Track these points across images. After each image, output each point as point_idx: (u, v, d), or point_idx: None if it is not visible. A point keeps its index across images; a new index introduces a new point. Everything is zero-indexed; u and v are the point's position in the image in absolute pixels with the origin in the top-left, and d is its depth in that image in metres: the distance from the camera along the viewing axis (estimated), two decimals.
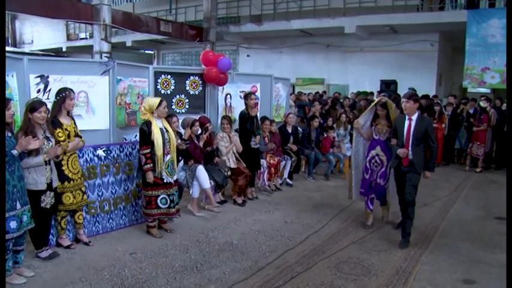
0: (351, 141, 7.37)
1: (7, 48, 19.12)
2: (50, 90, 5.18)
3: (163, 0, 19.15)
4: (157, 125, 4.74)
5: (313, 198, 6.80)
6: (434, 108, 10.02)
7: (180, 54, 21.37)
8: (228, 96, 7.63)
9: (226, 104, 7.58)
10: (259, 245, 4.78)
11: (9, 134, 3.65)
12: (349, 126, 8.92)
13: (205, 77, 7.15)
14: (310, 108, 10.13)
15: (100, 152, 5.01)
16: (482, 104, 9.64)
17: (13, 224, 3.57)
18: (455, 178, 8.77)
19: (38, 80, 5.19)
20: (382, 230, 5.33)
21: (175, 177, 4.98)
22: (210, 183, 5.81)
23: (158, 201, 4.85)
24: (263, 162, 6.92)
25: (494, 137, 9.66)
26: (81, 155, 4.78)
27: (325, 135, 8.68)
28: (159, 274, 3.98)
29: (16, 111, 4.44)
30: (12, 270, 3.74)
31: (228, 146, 6.36)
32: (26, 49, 23.01)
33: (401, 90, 12.25)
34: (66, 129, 4.28)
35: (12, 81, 4.75)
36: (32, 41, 25.37)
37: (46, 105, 4.00)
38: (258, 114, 6.83)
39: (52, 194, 4.07)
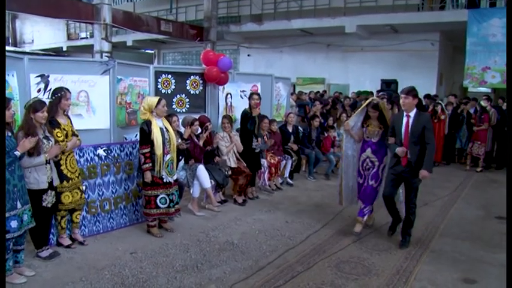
0: None
1: (7, 48, 19.14)
2: (50, 89, 5.15)
3: (163, 0, 19.14)
4: (157, 125, 4.74)
5: (314, 198, 6.80)
6: (435, 109, 10.03)
7: (180, 53, 21.37)
8: (229, 95, 7.62)
9: (226, 104, 7.58)
10: (259, 244, 4.77)
11: (9, 134, 3.65)
12: None
13: (206, 77, 7.14)
14: (310, 108, 10.13)
15: (100, 152, 5.01)
16: (483, 103, 9.63)
17: (14, 224, 3.57)
18: (456, 177, 8.77)
19: (39, 79, 5.18)
20: (383, 229, 5.32)
21: (175, 177, 4.98)
22: (211, 182, 5.82)
23: (157, 201, 4.85)
24: (264, 161, 6.92)
25: (495, 136, 9.65)
26: (81, 154, 4.79)
27: (326, 134, 8.68)
28: (160, 273, 3.98)
29: (16, 111, 4.44)
30: (13, 269, 3.74)
31: (229, 146, 6.36)
32: (27, 48, 23.01)
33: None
34: (64, 129, 4.29)
35: (12, 80, 4.75)
36: (33, 40, 25.36)
37: (46, 105, 4.01)
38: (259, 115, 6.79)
39: (53, 193, 4.08)
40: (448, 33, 14.12)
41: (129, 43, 19.19)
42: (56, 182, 4.14)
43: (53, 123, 4.18)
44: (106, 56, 12.06)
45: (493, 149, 9.92)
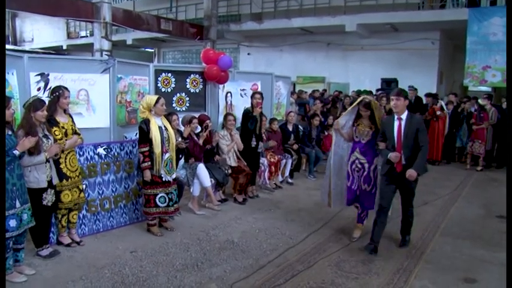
0: None
1: (7, 46, 19.12)
2: (50, 88, 5.15)
3: None
4: (155, 123, 4.74)
5: (314, 197, 6.79)
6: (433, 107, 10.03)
7: (180, 52, 21.35)
8: (229, 94, 7.61)
9: (226, 102, 7.56)
10: (260, 243, 4.77)
11: (10, 133, 3.64)
12: None
13: (206, 75, 7.13)
14: (311, 107, 10.12)
15: (100, 150, 5.01)
16: (481, 101, 9.63)
17: (12, 223, 3.56)
18: (456, 176, 8.76)
19: (39, 78, 5.18)
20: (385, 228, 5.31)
21: (174, 176, 4.98)
22: (211, 181, 5.81)
23: (157, 199, 4.85)
24: (264, 160, 6.92)
25: (496, 135, 9.64)
26: (81, 153, 4.78)
27: (326, 133, 8.68)
28: (160, 272, 3.97)
29: (16, 109, 4.43)
30: (13, 268, 3.74)
31: (230, 145, 6.35)
32: (27, 47, 22.95)
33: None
34: (62, 127, 4.27)
35: (12, 79, 4.74)
36: (33, 39, 25.31)
37: (46, 104, 4.00)
38: (261, 114, 6.77)
39: (53, 191, 4.08)
40: (448, 32, 14.11)
41: (129, 42, 19.17)
42: (56, 181, 4.14)
43: (51, 122, 4.17)
44: (106, 54, 12.05)
45: (494, 148, 9.91)
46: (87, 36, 20.91)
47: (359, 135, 4.80)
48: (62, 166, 4.28)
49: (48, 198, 4.02)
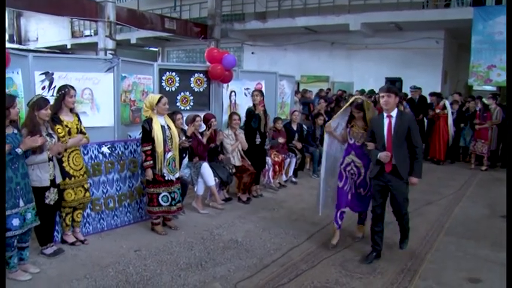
0: None
1: (12, 46, 19.24)
2: (54, 87, 5.18)
3: None
4: (158, 122, 4.75)
5: None
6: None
7: (184, 51, 21.35)
8: (233, 93, 7.61)
9: (231, 102, 7.57)
10: (264, 242, 4.77)
11: (15, 131, 3.65)
12: None
13: (210, 74, 7.14)
14: (315, 106, 10.10)
15: (105, 149, 5.02)
16: (486, 101, 9.58)
17: (15, 222, 3.58)
18: (461, 176, 8.73)
19: (43, 77, 5.20)
20: (387, 228, 5.29)
21: (177, 175, 4.98)
22: (215, 180, 5.81)
23: (159, 198, 4.86)
24: (268, 159, 6.92)
25: (500, 135, 9.59)
26: (85, 151, 4.79)
27: None
28: (164, 271, 3.98)
29: (21, 108, 4.44)
30: (18, 266, 3.75)
31: (234, 144, 6.35)
32: (31, 46, 23.07)
33: (406, 88, 12.21)
34: (66, 126, 4.28)
35: (17, 78, 4.76)
36: (37, 38, 25.40)
37: (50, 102, 4.01)
38: (264, 112, 6.77)
39: (55, 190, 4.08)
40: (453, 31, 14.05)
41: (133, 41, 19.18)
42: (59, 180, 4.14)
43: (54, 120, 4.18)
44: (110, 53, 12.07)
45: (499, 148, 9.86)
46: (91, 35, 20.99)
47: (353, 137, 4.58)
48: (64, 165, 4.29)
49: (51, 197, 4.02)
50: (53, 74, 5.27)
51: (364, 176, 4.55)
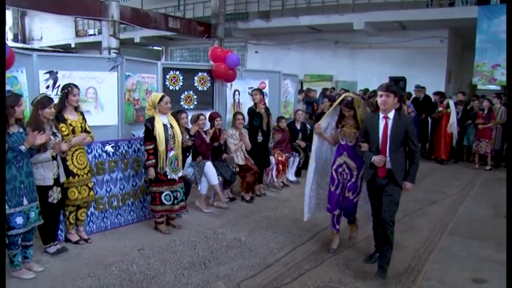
0: None
1: (17, 45, 19.30)
2: (58, 86, 5.19)
3: None
4: (160, 121, 4.75)
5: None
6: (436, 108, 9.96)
7: (188, 50, 21.37)
8: (237, 92, 7.61)
9: (234, 101, 7.57)
10: (267, 241, 4.77)
11: (21, 130, 3.67)
12: None
13: (214, 73, 7.13)
14: (319, 105, 10.09)
15: (108, 148, 5.03)
16: (493, 100, 9.54)
17: (19, 220, 3.59)
18: (465, 176, 8.70)
19: (47, 75, 5.21)
20: None
21: (180, 174, 4.98)
22: (218, 179, 5.81)
23: (162, 197, 4.87)
24: (271, 158, 6.91)
25: (505, 134, 9.55)
26: (89, 150, 4.80)
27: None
28: (167, 270, 3.98)
29: (25, 107, 4.46)
30: (22, 265, 3.76)
31: (237, 144, 6.35)
32: (35, 45, 23.14)
33: (410, 87, 12.18)
34: (70, 125, 4.29)
35: (21, 77, 4.78)
36: (41, 37, 25.49)
37: (54, 101, 4.02)
38: (266, 110, 6.77)
39: (59, 189, 4.09)
40: (457, 30, 14.00)
41: (137, 40, 19.21)
42: (63, 179, 4.15)
43: (58, 118, 4.20)
44: (114, 52, 12.11)
45: (503, 147, 9.83)
46: (95, 34, 21.02)
47: (345, 138, 4.30)
48: (68, 163, 4.29)
49: (54, 195, 4.04)
50: (57, 73, 5.28)
51: (356, 179, 4.30)
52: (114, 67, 5.78)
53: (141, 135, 5.70)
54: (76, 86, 4.38)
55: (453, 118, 9.73)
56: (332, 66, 16.24)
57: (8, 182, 3.49)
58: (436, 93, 10.89)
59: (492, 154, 9.46)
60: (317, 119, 8.50)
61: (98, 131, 5.02)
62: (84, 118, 4.48)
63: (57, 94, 4.94)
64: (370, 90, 12.56)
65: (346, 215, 4.54)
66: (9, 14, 25.28)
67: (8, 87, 4.49)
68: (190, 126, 5.82)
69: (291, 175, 7.60)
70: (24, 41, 25.02)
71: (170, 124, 4.87)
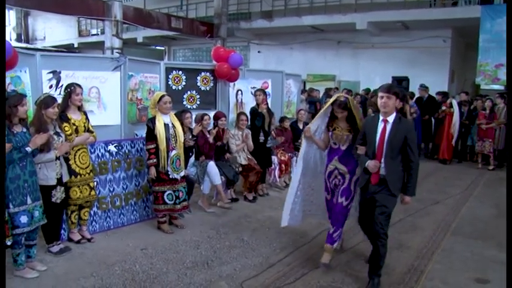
0: None
1: (20, 45, 19.35)
2: (62, 85, 5.20)
3: None
4: (161, 120, 4.76)
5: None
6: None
7: (190, 50, 21.40)
8: (239, 92, 7.61)
9: (237, 100, 7.57)
10: (270, 241, 4.77)
11: (24, 130, 3.68)
12: None
13: (217, 73, 7.14)
14: (321, 105, 10.07)
15: (111, 148, 5.04)
16: (497, 100, 9.52)
17: (24, 219, 3.60)
18: (468, 176, 8.68)
19: (51, 75, 5.22)
20: (393, 227, 5.27)
21: (182, 174, 4.98)
22: (221, 179, 5.81)
23: (165, 197, 4.87)
24: (274, 158, 6.91)
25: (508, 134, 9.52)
26: (92, 150, 4.81)
27: None
28: (170, 270, 3.99)
29: (29, 107, 4.47)
30: (25, 264, 3.77)
31: (239, 145, 6.34)
32: (39, 45, 23.23)
33: (413, 87, 12.15)
34: (73, 124, 4.30)
35: (25, 76, 4.79)
36: (45, 37, 25.57)
37: (57, 101, 4.03)
38: (268, 111, 6.76)
39: (62, 189, 4.10)
40: (460, 29, 13.97)
41: (140, 40, 19.25)
42: (66, 178, 4.16)
43: (62, 118, 4.20)
44: (117, 52, 12.12)
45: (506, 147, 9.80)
46: (98, 34, 21.08)
47: (336, 141, 4.05)
48: (71, 162, 4.31)
49: (57, 195, 4.04)
50: (60, 72, 5.29)
51: (349, 183, 4.03)
52: (117, 67, 5.79)
53: (144, 135, 5.72)
54: (79, 86, 4.39)
55: (456, 118, 9.72)
56: (335, 66, 16.22)
57: (12, 181, 3.50)
58: (439, 93, 10.87)
59: (495, 154, 9.43)
60: None
61: (100, 130, 5.03)
62: (87, 118, 4.49)
63: (60, 94, 4.96)
64: (372, 90, 12.56)
65: (334, 222, 4.09)
66: (12, 14, 25.42)
67: (11, 87, 4.51)
68: (194, 126, 5.82)
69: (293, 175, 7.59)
70: (27, 41, 25.11)
71: (172, 124, 4.87)
